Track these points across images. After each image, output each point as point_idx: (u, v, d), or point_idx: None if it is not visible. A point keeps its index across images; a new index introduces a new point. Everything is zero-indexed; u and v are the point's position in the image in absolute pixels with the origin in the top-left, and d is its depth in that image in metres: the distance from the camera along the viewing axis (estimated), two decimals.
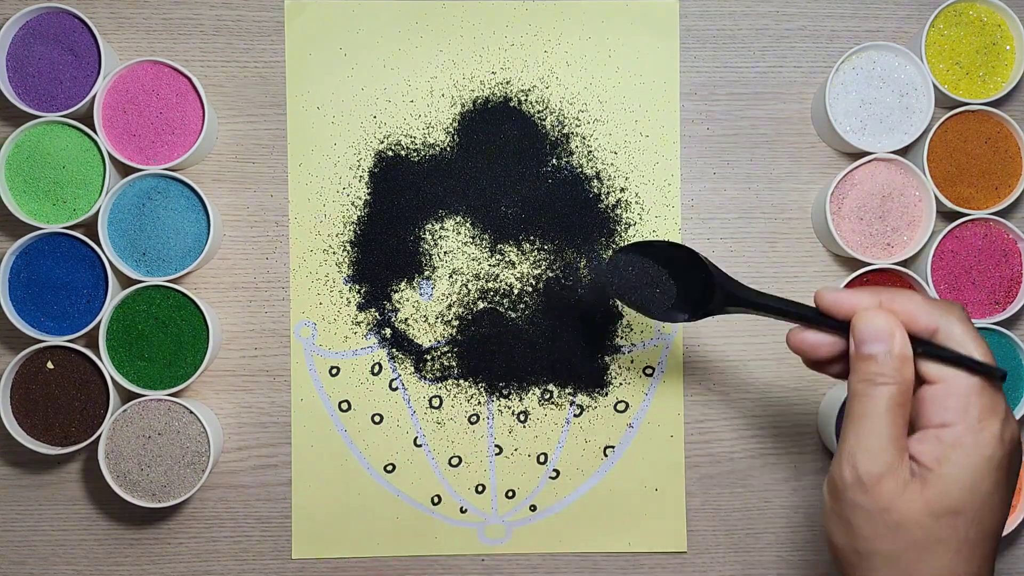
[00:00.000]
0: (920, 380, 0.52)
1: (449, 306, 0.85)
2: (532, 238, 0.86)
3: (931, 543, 0.50)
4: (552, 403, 0.85)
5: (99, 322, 0.81)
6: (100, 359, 0.81)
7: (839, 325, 0.54)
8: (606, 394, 0.85)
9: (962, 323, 0.52)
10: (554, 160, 0.86)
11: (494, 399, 0.85)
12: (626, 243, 0.69)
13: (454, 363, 0.85)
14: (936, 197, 0.82)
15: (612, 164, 0.87)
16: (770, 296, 0.57)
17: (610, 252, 0.76)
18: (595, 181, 0.86)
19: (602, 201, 0.86)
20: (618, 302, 0.60)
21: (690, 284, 0.59)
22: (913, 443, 0.52)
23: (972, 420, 0.50)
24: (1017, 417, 0.83)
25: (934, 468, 0.50)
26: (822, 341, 0.55)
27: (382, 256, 0.86)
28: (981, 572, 0.52)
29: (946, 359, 0.52)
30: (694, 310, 0.59)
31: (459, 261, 0.86)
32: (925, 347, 0.52)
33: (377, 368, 0.85)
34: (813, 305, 0.55)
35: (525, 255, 0.86)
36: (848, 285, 0.82)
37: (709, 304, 0.58)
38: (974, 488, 0.50)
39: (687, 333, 0.86)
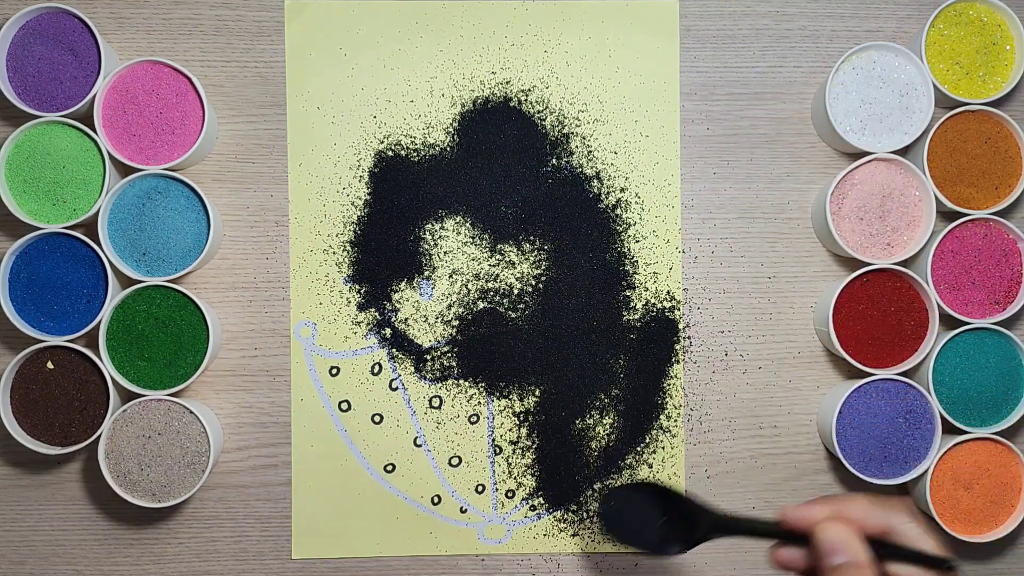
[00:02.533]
0: None
1: (449, 306, 0.85)
2: (532, 238, 0.86)
3: None
4: (553, 403, 0.85)
5: (99, 322, 0.81)
6: (100, 359, 0.80)
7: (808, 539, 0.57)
8: (607, 394, 0.85)
9: (911, 519, 0.55)
10: (554, 160, 0.86)
11: (494, 399, 0.85)
12: (616, 485, 0.75)
13: (454, 363, 0.85)
14: (936, 197, 0.82)
15: (612, 164, 0.87)
16: (745, 520, 0.63)
17: (601, 496, 0.83)
18: (595, 181, 0.86)
19: (602, 201, 0.86)
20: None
21: (676, 516, 0.64)
22: None
23: None
24: (1014, 420, 0.83)
25: None
26: (798, 555, 0.58)
27: (382, 256, 0.86)
28: None
29: (900, 557, 0.54)
30: (685, 540, 0.63)
31: (459, 261, 0.86)
32: (882, 548, 0.55)
33: (377, 368, 0.85)
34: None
35: (525, 255, 0.86)
36: (845, 287, 0.82)
37: (696, 534, 0.62)
38: None
39: (685, 333, 0.86)
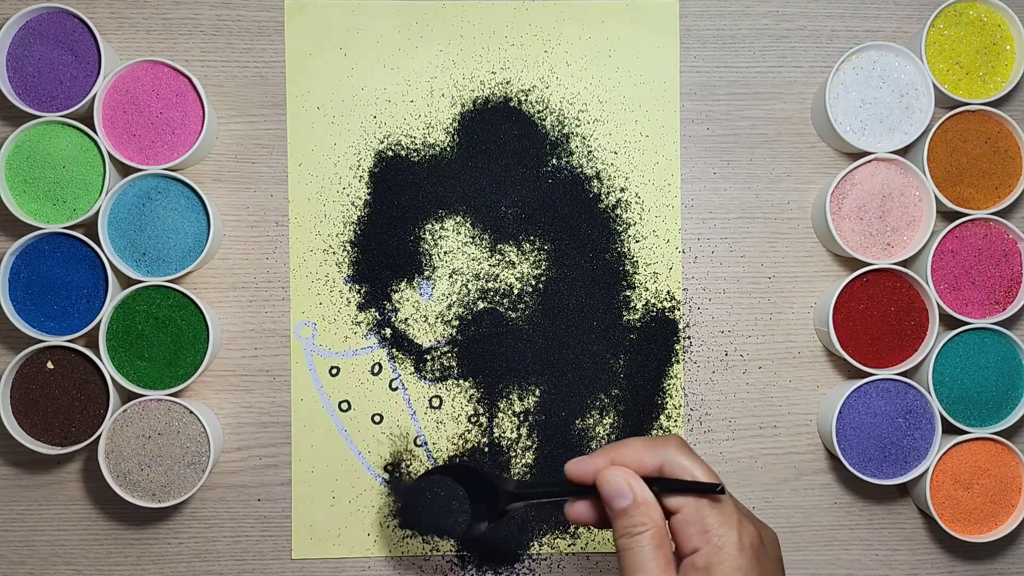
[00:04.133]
0: (669, 515, 0.57)
1: (449, 306, 0.85)
2: (532, 238, 0.86)
3: None
4: (553, 403, 0.85)
5: (99, 322, 0.81)
6: (100, 359, 0.80)
7: (596, 490, 0.59)
8: (607, 394, 0.85)
9: (681, 452, 0.57)
10: (554, 160, 0.86)
11: (494, 399, 0.85)
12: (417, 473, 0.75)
13: (454, 363, 0.85)
14: (936, 197, 0.82)
15: (612, 164, 0.87)
16: (539, 483, 0.68)
17: (401, 487, 0.82)
18: (595, 181, 0.86)
19: (602, 201, 0.86)
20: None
21: (476, 494, 0.65)
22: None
23: (712, 539, 0.55)
24: (1014, 420, 0.83)
25: None
26: (591, 508, 0.60)
27: (382, 256, 0.86)
28: None
29: (674, 490, 0.56)
30: (488, 516, 0.65)
31: (459, 261, 0.86)
32: (659, 484, 0.57)
33: (377, 368, 0.85)
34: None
35: (525, 255, 0.86)
36: (845, 287, 0.82)
37: (499, 507, 0.64)
38: None
39: (685, 333, 0.86)
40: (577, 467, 0.59)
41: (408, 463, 0.84)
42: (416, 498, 0.68)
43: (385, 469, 0.84)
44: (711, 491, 0.56)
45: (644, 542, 0.56)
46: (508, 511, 0.64)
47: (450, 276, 0.85)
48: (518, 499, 0.64)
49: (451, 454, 0.84)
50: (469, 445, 0.85)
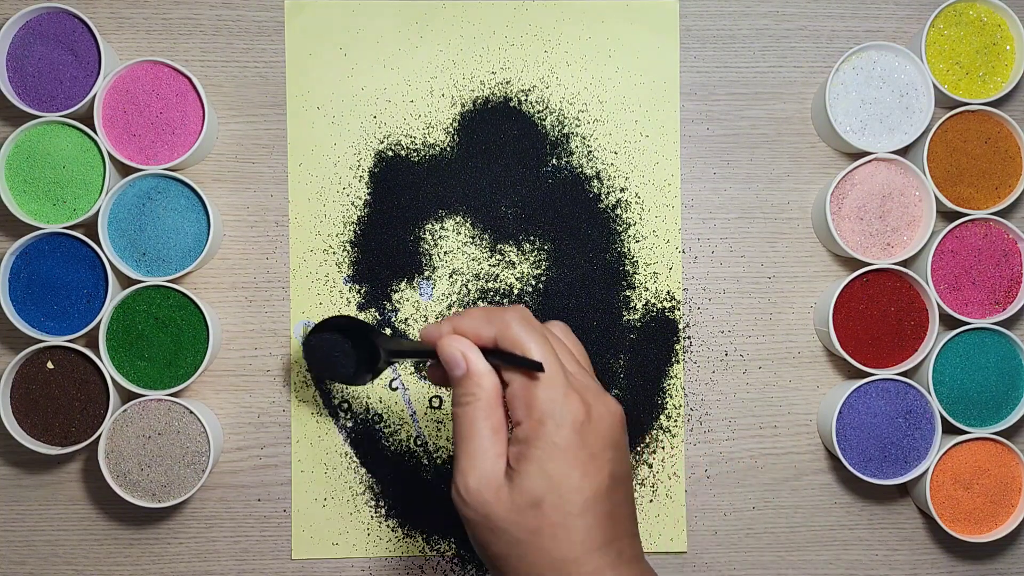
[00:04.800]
0: (506, 385, 0.57)
1: (449, 306, 0.85)
2: (532, 238, 0.86)
3: (527, 536, 0.55)
4: None
5: (99, 322, 0.81)
6: (100, 359, 0.80)
7: None
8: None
9: (519, 324, 0.57)
10: (554, 160, 0.86)
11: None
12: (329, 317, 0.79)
13: None
14: (936, 197, 0.82)
15: (612, 164, 0.87)
16: (407, 342, 0.77)
17: (305, 334, 0.83)
18: (595, 181, 0.86)
19: (602, 201, 0.86)
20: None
21: (363, 347, 0.70)
22: (509, 447, 0.56)
23: (534, 413, 0.55)
24: (1014, 420, 0.83)
25: (516, 467, 0.55)
26: (444, 373, 0.60)
27: (382, 256, 0.86)
28: (587, 545, 0.55)
29: (507, 363, 0.57)
30: (371, 368, 0.69)
31: (459, 261, 0.86)
32: (495, 356, 0.57)
33: None
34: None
35: (525, 255, 0.86)
36: (845, 287, 0.82)
37: (379, 362, 0.68)
38: (547, 475, 0.54)
39: (685, 333, 0.86)
40: (426, 332, 0.60)
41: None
42: (312, 348, 0.72)
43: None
44: (531, 367, 0.56)
45: (474, 411, 0.56)
46: (390, 363, 0.71)
47: (450, 276, 0.85)
48: (396, 356, 0.70)
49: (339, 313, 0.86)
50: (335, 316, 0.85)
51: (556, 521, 0.54)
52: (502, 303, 0.85)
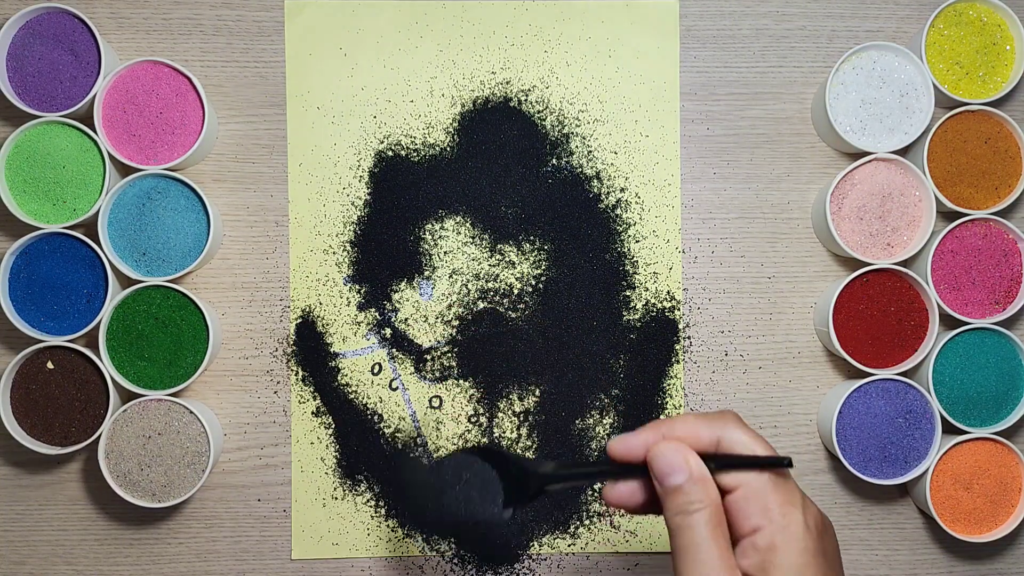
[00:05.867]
0: (724, 493, 0.53)
1: (449, 306, 0.85)
2: (532, 238, 0.86)
3: None
4: (552, 403, 0.85)
5: (99, 322, 0.81)
6: (100, 359, 0.80)
7: (642, 469, 0.55)
8: (607, 394, 0.85)
9: (739, 427, 0.54)
10: (554, 160, 0.86)
11: (494, 399, 0.85)
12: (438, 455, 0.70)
13: (454, 363, 0.85)
14: (936, 197, 0.82)
15: (612, 164, 0.87)
16: (575, 464, 0.64)
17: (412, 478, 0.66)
18: (595, 181, 0.86)
19: (602, 201, 0.86)
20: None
21: (503, 477, 0.58)
22: (740, 559, 0.52)
23: (776, 517, 0.51)
24: (1014, 420, 0.83)
25: None
26: (632, 489, 0.56)
27: (382, 256, 0.86)
28: None
29: (735, 466, 0.53)
30: (516, 500, 0.57)
31: (459, 261, 0.86)
32: (716, 461, 0.53)
33: (377, 368, 0.85)
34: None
35: (525, 255, 0.86)
36: (845, 287, 0.82)
37: (528, 492, 0.57)
38: None
39: (685, 333, 0.86)
40: (623, 444, 0.55)
41: (413, 450, 0.83)
42: (440, 481, 0.58)
43: (395, 453, 0.82)
44: (778, 465, 0.52)
45: (701, 520, 0.52)
46: (543, 493, 0.57)
47: (450, 276, 0.85)
48: (551, 481, 0.57)
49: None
50: (469, 445, 0.85)
51: None
52: (502, 303, 0.85)
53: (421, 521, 0.65)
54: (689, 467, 0.53)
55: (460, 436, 0.85)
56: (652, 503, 0.56)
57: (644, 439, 0.54)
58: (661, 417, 0.85)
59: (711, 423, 0.54)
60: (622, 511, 0.57)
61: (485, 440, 0.85)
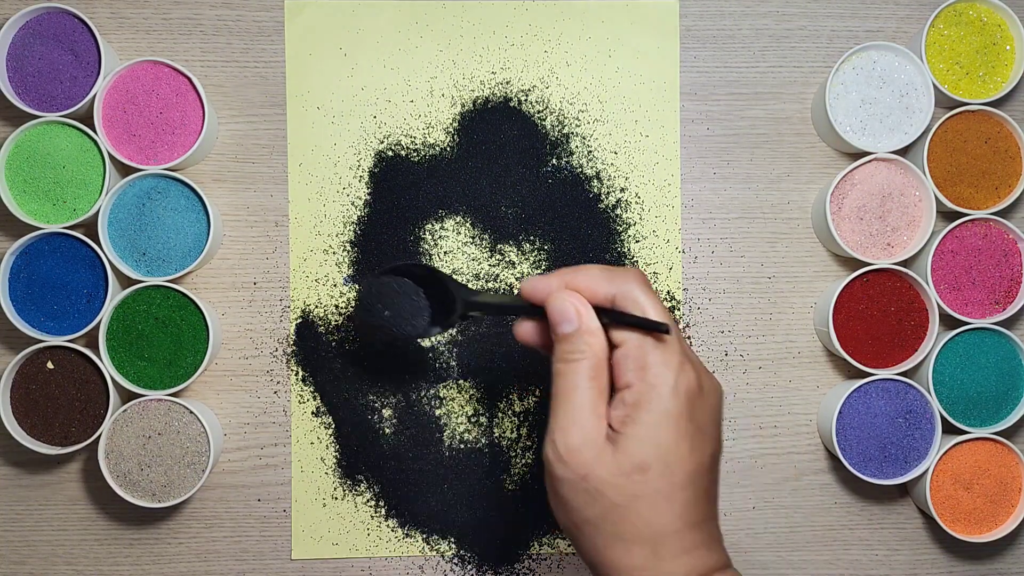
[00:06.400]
0: (613, 347, 0.56)
1: None
2: (532, 238, 0.86)
3: (626, 501, 0.53)
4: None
5: (99, 322, 0.81)
6: (100, 359, 0.80)
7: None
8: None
9: (639, 286, 0.56)
10: (554, 160, 0.86)
11: (494, 399, 0.85)
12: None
13: (454, 363, 0.85)
14: (936, 197, 0.82)
15: (612, 164, 0.87)
16: (495, 295, 0.68)
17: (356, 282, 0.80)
18: (595, 181, 0.86)
19: (602, 201, 0.86)
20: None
21: (435, 298, 0.66)
22: (611, 409, 0.55)
23: (648, 377, 0.54)
24: (1014, 420, 0.83)
25: (621, 430, 0.53)
26: (539, 329, 0.59)
27: (382, 256, 0.85)
28: (686, 519, 0.54)
29: (622, 323, 0.55)
30: (443, 321, 0.65)
31: (459, 261, 0.86)
32: (609, 315, 0.56)
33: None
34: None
35: (525, 255, 0.86)
36: (845, 287, 0.82)
37: (454, 313, 0.64)
38: (656, 442, 0.53)
39: (686, 333, 0.86)
40: (531, 285, 0.58)
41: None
42: (373, 291, 0.66)
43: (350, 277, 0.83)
44: (657, 329, 0.54)
45: (580, 369, 0.55)
46: (465, 318, 0.65)
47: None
48: (473, 308, 0.64)
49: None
50: (469, 445, 0.85)
51: (660, 489, 0.53)
52: None
53: (360, 329, 0.75)
54: (580, 318, 0.55)
55: (460, 436, 0.85)
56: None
57: (549, 284, 0.57)
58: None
59: (613, 279, 0.56)
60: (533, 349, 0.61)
61: (485, 440, 0.85)
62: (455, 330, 0.85)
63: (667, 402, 0.53)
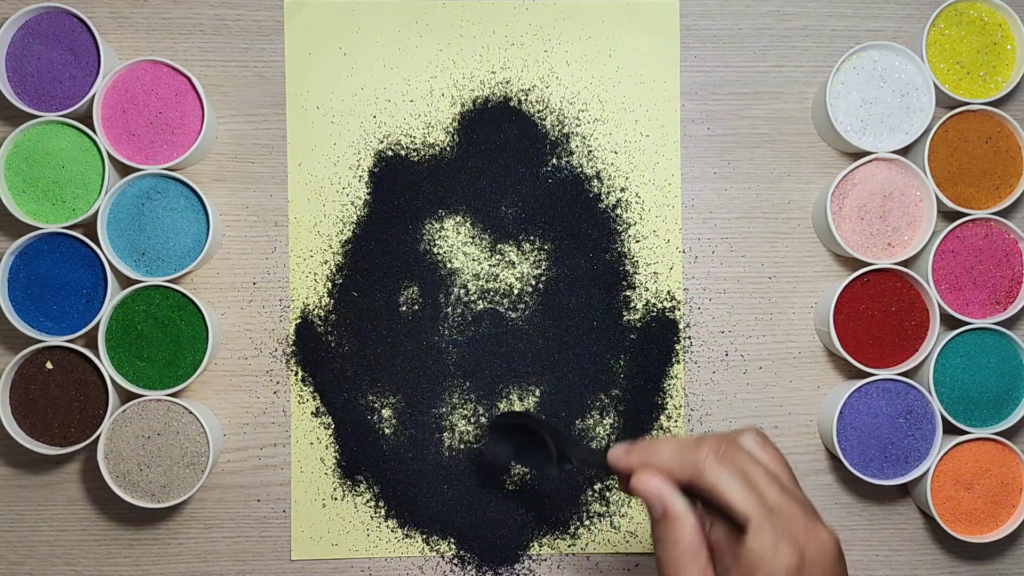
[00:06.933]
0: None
1: (449, 306, 0.85)
2: (532, 238, 0.85)
3: None
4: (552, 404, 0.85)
5: (98, 322, 0.80)
6: (99, 359, 0.80)
7: None
8: (607, 394, 0.85)
9: (712, 466, 0.54)
10: (554, 160, 0.86)
11: (494, 399, 0.85)
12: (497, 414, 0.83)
13: (454, 363, 0.85)
14: (937, 197, 0.82)
15: (612, 164, 0.86)
16: (594, 452, 0.74)
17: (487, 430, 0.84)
18: (595, 181, 0.86)
19: (602, 201, 0.86)
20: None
21: (535, 447, 0.73)
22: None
23: (743, 565, 0.52)
24: (1015, 421, 0.82)
25: None
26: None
27: (382, 256, 0.85)
28: None
29: (707, 506, 0.54)
30: (540, 466, 0.72)
31: (459, 261, 0.85)
32: (694, 494, 0.54)
33: None
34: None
35: (525, 255, 0.85)
36: (846, 287, 0.82)
37: (550, 461, 0.71)
38: None
39: (686, 333, 0.86)
40: (616, 460, 0.57)
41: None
42: (489, 455, 0.77)
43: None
44: (735, 520, 0.53)
45: (677, 557, 0.53)
46: (565, 468, 0.71)
47: (450, 276, 0.85)
48: (569, 461, 0.70)
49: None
50: (469, 445, 0.85)
51: None
52: (502, 303, 0.85)
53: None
54: (663, 504, 0.54)
55: (460, 436, 0.85)
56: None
57: (630, 462, 0.56)
58: (659, 431, 0.85)
59: (684, 457, 0.54)
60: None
61: (481, 445, 0.85)
62: (455, 331, 0.85)
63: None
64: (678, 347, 0.86)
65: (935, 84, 0.83)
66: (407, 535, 0.85)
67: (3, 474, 0.85)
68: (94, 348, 0.81)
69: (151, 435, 0.81)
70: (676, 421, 0.86)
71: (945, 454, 0.82)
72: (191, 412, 0.81)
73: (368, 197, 0.86)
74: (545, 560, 0.85)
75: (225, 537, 0.85)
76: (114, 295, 0.81)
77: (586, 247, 0.85)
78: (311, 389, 0.85)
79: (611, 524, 0.85)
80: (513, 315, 0.85)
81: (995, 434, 0.82)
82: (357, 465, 0.85)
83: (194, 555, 0.85)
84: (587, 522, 0.85)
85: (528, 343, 0.85)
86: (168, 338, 0.81)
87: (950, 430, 0.83)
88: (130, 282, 0.82)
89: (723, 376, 0.86)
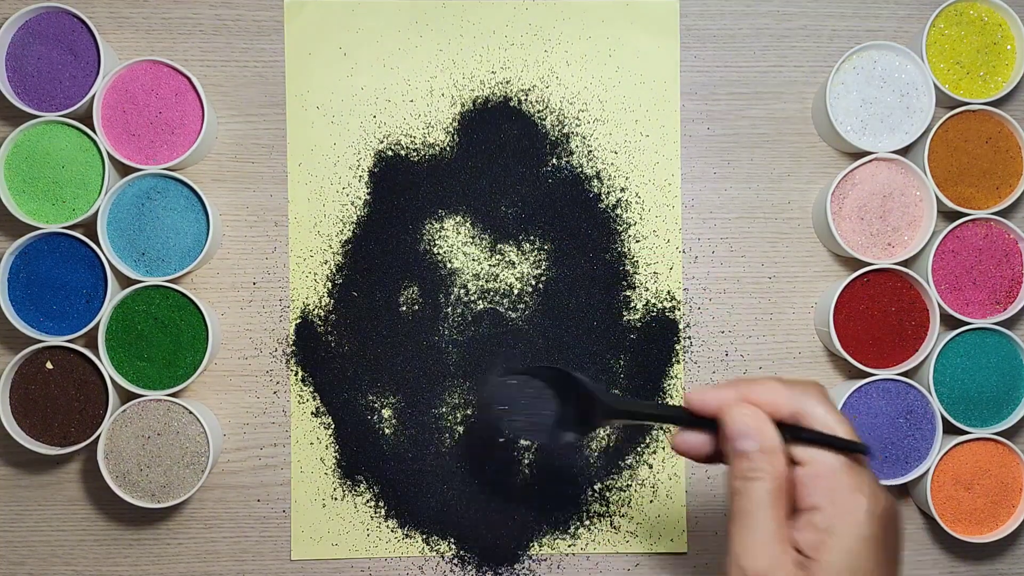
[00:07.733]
0: (792, 463, 0.52)
1: (449, 306, 0.85)
2: (532, 238, 0.85)
3: None
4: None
5: (98, 322, 0.80)
6: (99, 359, 0.80)
7: (712, 423, 0.54)
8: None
9: (822, 403, 0.53)
10: (554, 160, 0.86)
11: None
12: (506, 367, 0.74)
13: (454, 363, 0.85)
14: (937, 197, 0.82)
15: (612, 164, 0.86)
16: (646, 403, 0.62)
17: (490, 377, 0.78)
18: (595, 181, 0.86)
19: (602, 201, 0.86)
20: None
21: (569, 402, 0.60)
22: (795, 532, 0.51)
23: (840, 501, 0.51)
24: (1015, 421, 0.83)
25: (814, 556, 0.50)
26: (701, 441, 0.55)
27: (382, 256, 0.85)
28: None
29: (810, 441, 0.52)
30: (578, 427, 0.59)
31: (459, 261, 0.85)
32: (791, 432, 0.52)
33: None
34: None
35: (525, 255, 0.85)
36: (846, 287, 0.82)
37: (592, 420, 0.58)
38: (853, 569, 0.50)
39: (686, 333, 0.86)
40: (701, 397, 0.54)
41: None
42: (502, 394, 0.61)
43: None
44: (854, 450, 0.51)
45: (763, 489, 0.51)
46: (602, 425, 0.60)
47: (450, 276, 0.85)
48: (618, 416, 0.59)
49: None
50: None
51: None
52: (502, 303, 0.85)
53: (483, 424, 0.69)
54: (762, 435, 0.52)
55: (460, 436, 0.85)
56: (717, 455, 0.55)
57: (722, 396, 0.54)
58: (659, 431, 0.85)
59: (793, 393, 0.53)
60: (687, 461, 0.57)
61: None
62: (455, 331, 0.84)
63: (864, 528, 0.50)
64: (678, 347, 0.86)
65: (935, 84, 0.83)
66: (407, 535, 0.85)
67: (3, 474, 0.85)
68: (94, 348, 0.81)
69: (151, 435, 0.81)
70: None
71: (945, 454, 0.82)
72: (191, 412, 0.81)
73: (368, 197, 0.86)
74: (545, 560, 0.85)
75: (225, 537, 0.85)
76: (114, 295, 0.81)
77: (586, 247, 0.85)
78: (311, 389, 0.85)
79: (611, 524, 0.85)
80: (513, 315, 0.85)
81: (995, 434, 0.82)
82: (357, 465, 0.85)
83: (194, 555, 0.85)
84: (587, 522, 0.85)
85: (528, 343, 0.85)
86: (168, 338, 0.81)
87: (950, 430, 0.83)
88: (130, 282, 0.82)
89: (723, 376, 0.86)
